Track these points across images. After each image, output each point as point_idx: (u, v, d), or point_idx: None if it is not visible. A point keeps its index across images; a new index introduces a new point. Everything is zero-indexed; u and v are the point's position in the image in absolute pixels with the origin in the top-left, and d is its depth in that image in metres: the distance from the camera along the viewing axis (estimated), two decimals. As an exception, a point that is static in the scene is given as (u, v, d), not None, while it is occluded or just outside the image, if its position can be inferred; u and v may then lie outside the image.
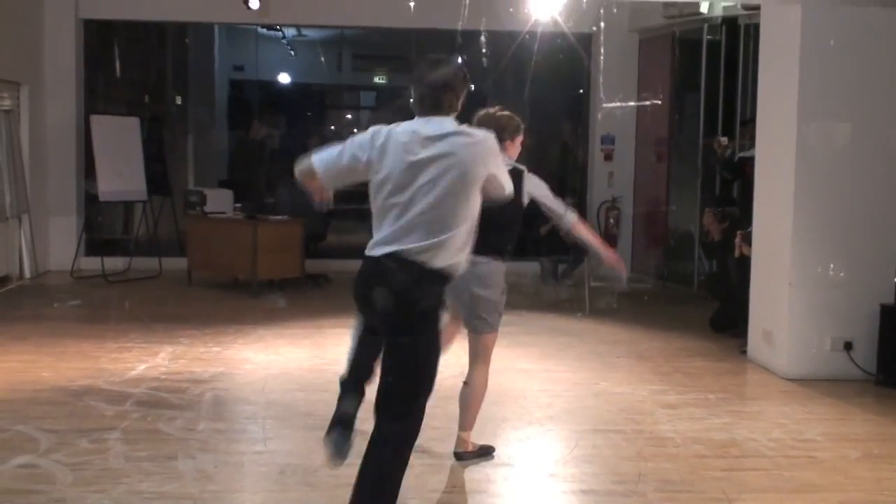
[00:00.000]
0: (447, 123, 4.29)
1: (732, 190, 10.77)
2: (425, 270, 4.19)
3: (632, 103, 13.50)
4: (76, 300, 11.02)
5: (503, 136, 5.68)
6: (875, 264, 8.06)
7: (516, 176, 5.64)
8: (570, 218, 5.87)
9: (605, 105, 13.31)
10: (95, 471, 5.42)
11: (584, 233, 5.96)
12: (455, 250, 4.25)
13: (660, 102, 13.27)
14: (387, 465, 4.22)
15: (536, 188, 5.82)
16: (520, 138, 5.85)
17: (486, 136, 4.35)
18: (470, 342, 5.92)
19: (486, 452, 5.90)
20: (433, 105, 4.31)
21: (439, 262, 4.21)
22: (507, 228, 5.77)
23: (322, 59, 17.34)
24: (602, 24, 13.26)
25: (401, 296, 4.18)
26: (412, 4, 8.18)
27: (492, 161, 4.32)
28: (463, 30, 11.70)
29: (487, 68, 13.82)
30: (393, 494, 4.20)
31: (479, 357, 5.78)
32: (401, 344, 4.25)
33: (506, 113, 5.92)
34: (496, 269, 5.68)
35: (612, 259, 6.05)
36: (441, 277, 4.26)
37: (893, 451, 6.22)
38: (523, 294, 11.94)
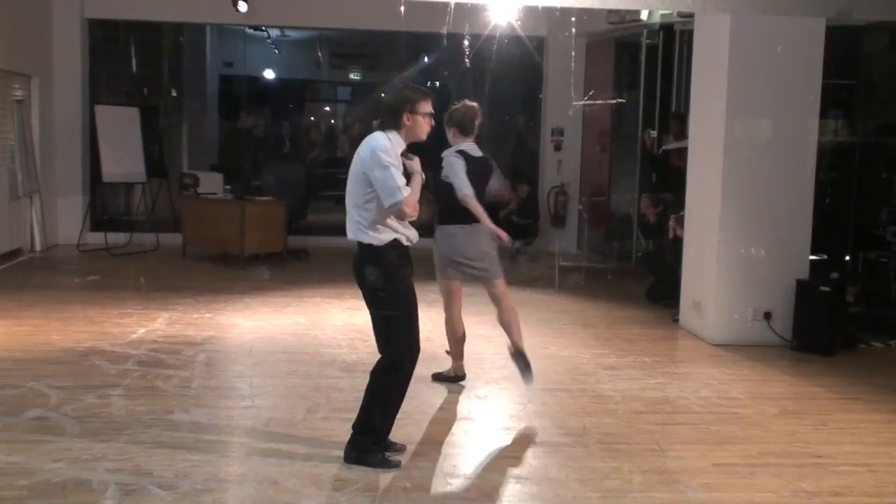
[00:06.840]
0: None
1: (666, 177, 10.80)
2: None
3: (598, 101, 13.40)
4: (94, 276, 10.78)
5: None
6: (792, 244, 8.13)
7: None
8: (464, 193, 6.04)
9: (574, 103, 13.21)
10: (100, 423, 5.38)
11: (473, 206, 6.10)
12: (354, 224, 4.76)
13: (624, 101, 13.17)
14: (368, 388, 4.87)
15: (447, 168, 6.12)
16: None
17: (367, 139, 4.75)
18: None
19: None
20: (380, 125, 4.83)
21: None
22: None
23: (319, 54, 17.23)
24: (557, 29, 13.24)
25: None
26: (402, 10, 8.12)
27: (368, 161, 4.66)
28: (429, 32, 11.62)
29: (451, 68, 13.76)
30: (376, 410, 4.82)
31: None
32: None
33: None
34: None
35: (492, 231, 6.17)
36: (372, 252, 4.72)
37: (806, 408, 6.28)
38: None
